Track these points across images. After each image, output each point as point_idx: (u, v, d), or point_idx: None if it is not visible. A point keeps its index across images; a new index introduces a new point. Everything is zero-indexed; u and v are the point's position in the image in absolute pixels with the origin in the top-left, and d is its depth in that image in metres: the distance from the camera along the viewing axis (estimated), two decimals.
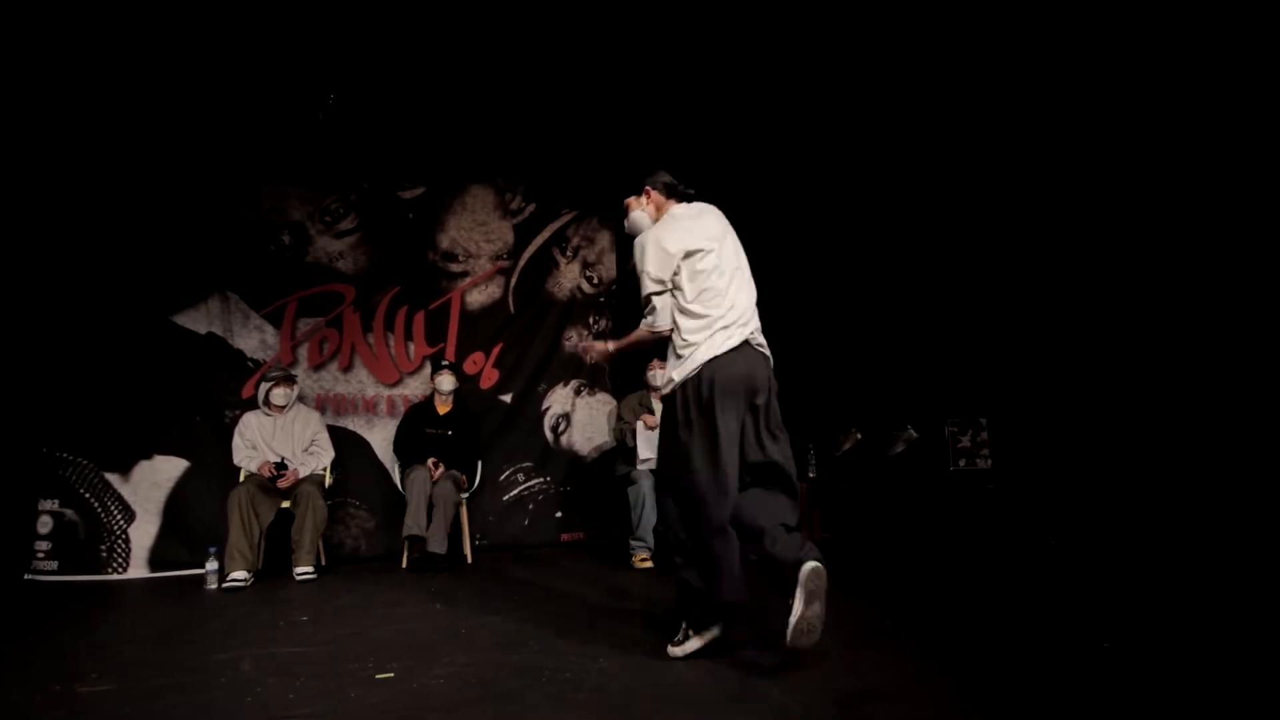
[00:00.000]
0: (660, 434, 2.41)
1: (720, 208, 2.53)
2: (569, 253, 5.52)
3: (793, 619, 2.10)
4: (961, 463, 4.86)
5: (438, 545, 4.27)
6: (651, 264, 2.36)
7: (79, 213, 4.38)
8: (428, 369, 4.98)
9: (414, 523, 4.22)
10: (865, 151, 5.15)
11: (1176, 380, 4.03)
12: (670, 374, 2.36)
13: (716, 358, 2.26)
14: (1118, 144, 4.20)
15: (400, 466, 4.55)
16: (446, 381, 4.61)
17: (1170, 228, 4.05)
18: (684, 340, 2.32)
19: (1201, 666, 2.28)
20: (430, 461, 4.39)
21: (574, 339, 5.45)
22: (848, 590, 3.45)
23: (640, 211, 2.52)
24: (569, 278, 5.50)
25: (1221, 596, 3.15)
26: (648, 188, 2.53)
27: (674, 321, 2.36)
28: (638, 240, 2.44)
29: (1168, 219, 4.05)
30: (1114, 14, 3.63)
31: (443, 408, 4.64)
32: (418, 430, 4.56)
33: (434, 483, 4.36)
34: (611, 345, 2.61)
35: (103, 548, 4.19)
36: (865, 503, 5.08)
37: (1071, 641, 2.52)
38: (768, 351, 2.41)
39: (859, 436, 5.01)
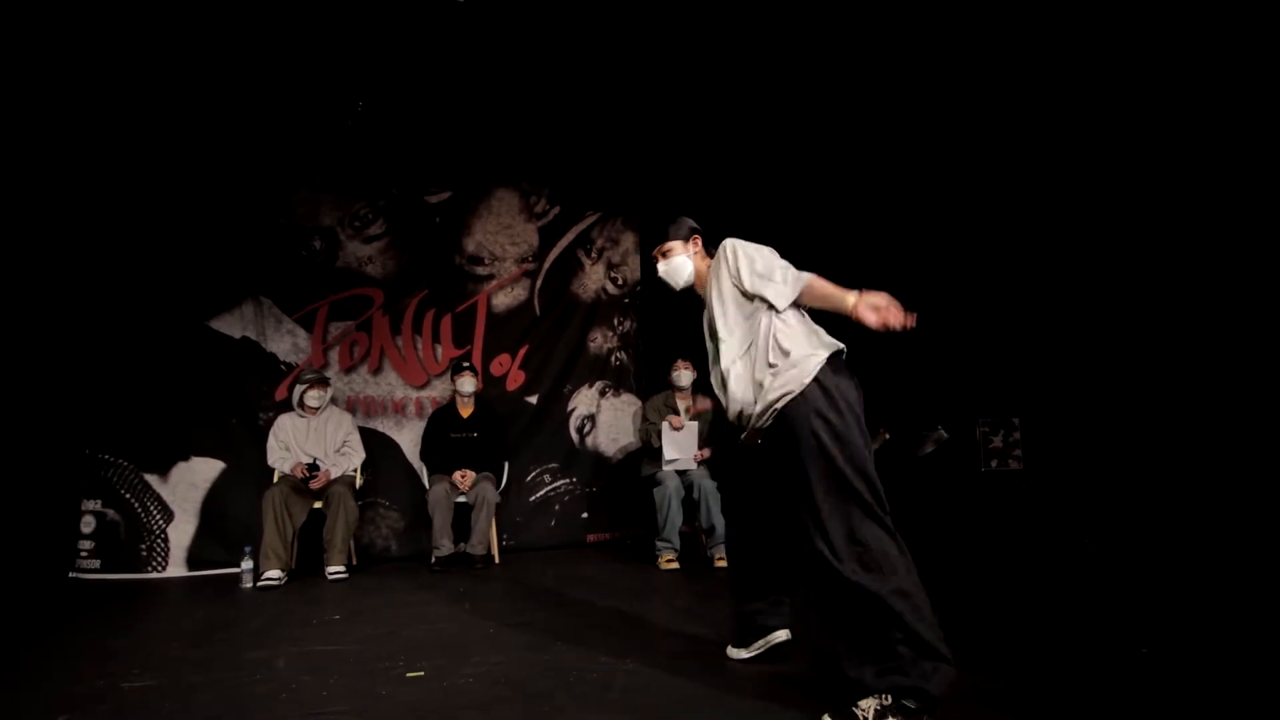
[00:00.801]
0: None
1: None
2: (593, 254, 5.54)
3: None
4: (993, 463, 4.78)
5: (478, 547, 4.33)
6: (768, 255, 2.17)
7: (119, 222, 4.51)
8: None
9: (443, 542, 4.28)
10: (897, 148, 5.09)
11: (1216, 378, 3.92)
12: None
13: None
14: (1156, 142, 4.10)
15: (427, 473, 4.61)
16: (467, 384, 4.64)
17: (1213, 224, 3.94)
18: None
19: (1243, 673, 2.22)
20: (457, 475, 4.44)
21: (599, 340, 5.47)
22: None
23: (685, 258, 2.35)
24: (594, 279, 5.51)
25: (1264, 600, 3.06)
26: (698, 235, 2.39)
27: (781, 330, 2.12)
28: (744, 249, 2.19)
29: (1211, 216, 3.95)
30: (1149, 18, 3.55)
31: (465, 410, 4.68)
32: (443, 435, 4.60)
33: (468, 488, 4.41)
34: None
35: (142, 547, 4.30)
36: (894, 505, 5.01)
37: (1108, 647, 2.47)
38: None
39: (887, 436, 4.95)
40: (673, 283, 2.40)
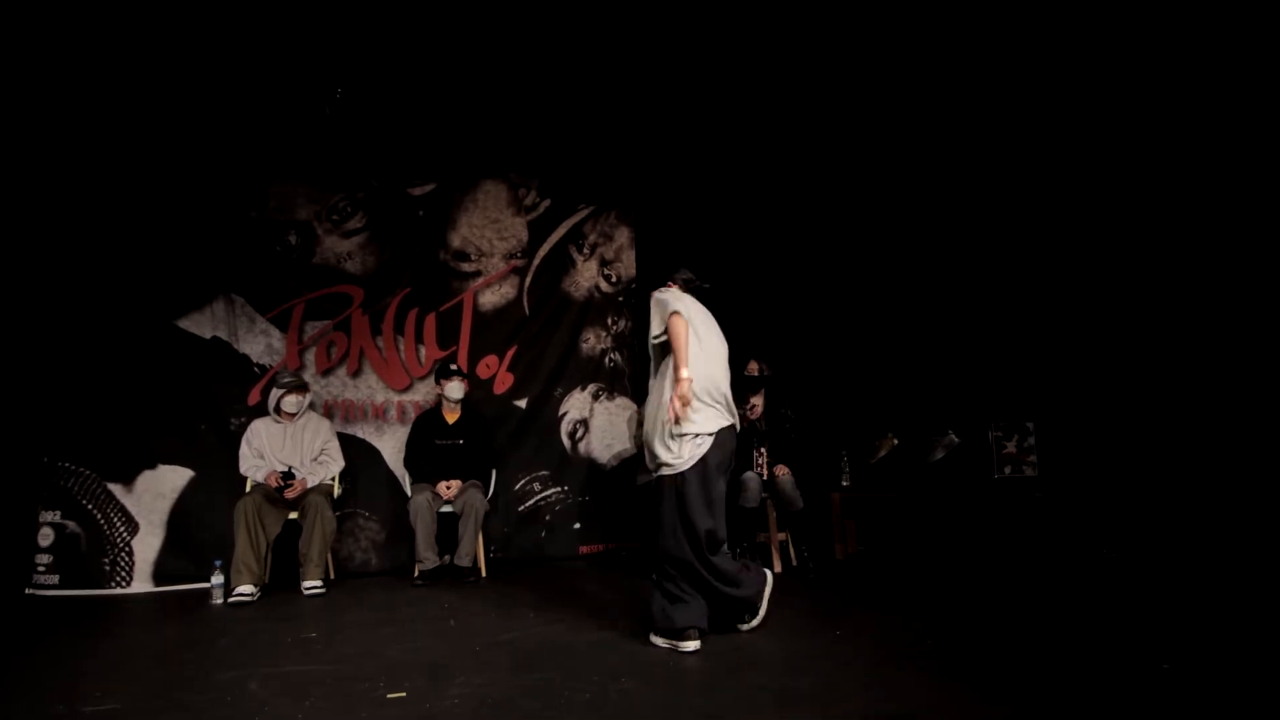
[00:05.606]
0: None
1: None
2: (586, 250, 5.53)
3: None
4: (1007, 470, 4.79)
5: (464, 559, 4.31)
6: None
7: (80, 215, 4.46)
8: None
9: (427, 555, 4.26)
10: (906, 142, 5.10)
11: (1241, 380, 3.94)
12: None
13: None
14: (1183, 140, 4.12)
15: (410, 481, 4.59)
16: (455, 389, 4.63)
17: (1239, 224, 3.96)
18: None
19: (1273, 692, 2.22)
20: (441, 484, 4.42)
21: (592, 340, 5.46)
22: (885, 607, 3.42)
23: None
24: (586, 276, 5.50)
25: None
26: (671, 282, 3.16)
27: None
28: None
29: (1238, 217, 3.97)
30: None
31: (451, 415, 4.67)
32: (427, 442, 4.58)
33: (454, 498, 4.39)
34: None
35: (105, 561, 4.26)
36: (903, 513, 5.02)
37: (1128, 662, 2.47)
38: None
39: (895, 442, 4.96)
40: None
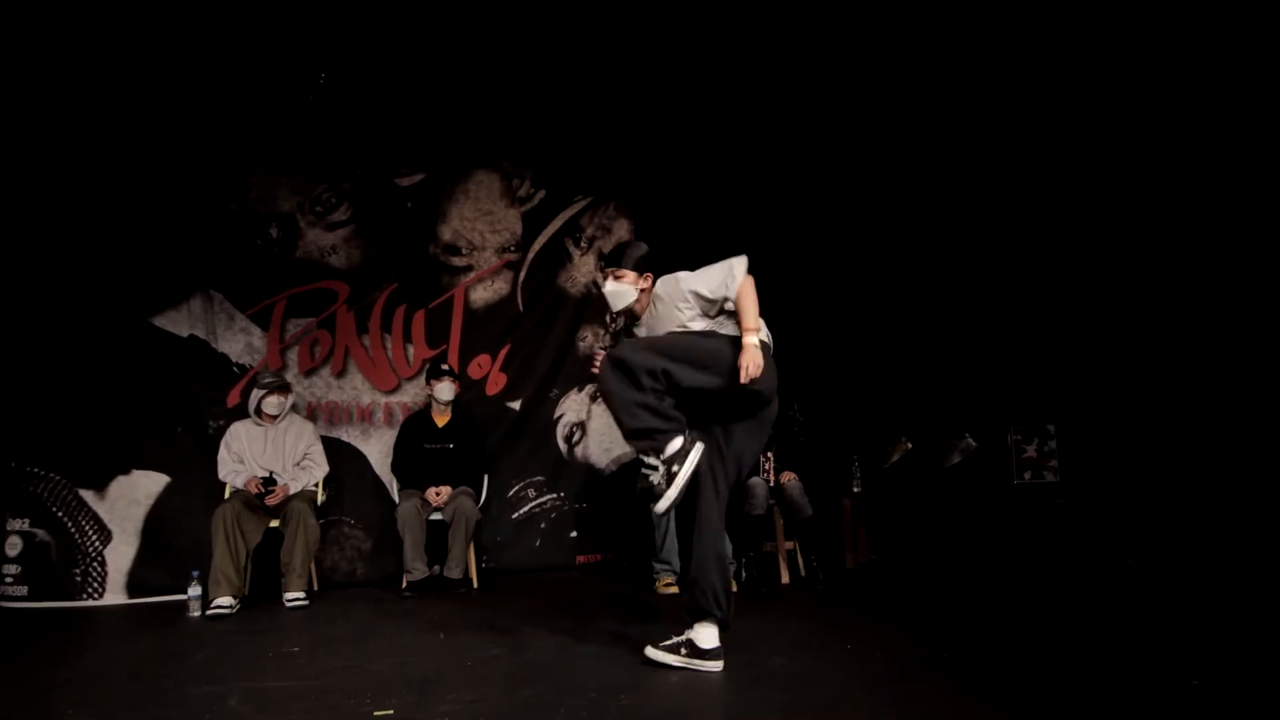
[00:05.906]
0: None
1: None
2: (583, 244, 5.52)
3: None
4: (1027, 475, 4.77)
5: (454, 569, 4.30)
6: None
7: (50, 207, 4.44)
8: None
9: (415, 564, 4.24)
10: (915, 135, 5.08)
11: (1276, 381, 3.93)
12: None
13: None
14: (1212, 139, 4.11)
15: (397, 488, 4.58)
16: (445, 390, 4.61)
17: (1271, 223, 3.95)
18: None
19: None
20: (431, 490, 4.41)
21: (589, 339, 5.45)
22: (897, 618, 3.40)
23: (631, 286, 2.90)
24: (583, 271, 5.49)
25: None
26: (650, 273, 2.92)
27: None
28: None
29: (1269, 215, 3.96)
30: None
31: (441, 418, 4.65)
32: (415, 446, 4.57)
33: (444, 505, 4.39)
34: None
35: (76, 571, 4.24)
36: (917, 520, 5.01)
37: (1153, 678, 2.46)
38: None
39: (909, 446, 4.95)
40: (613, 304, 2.97)
